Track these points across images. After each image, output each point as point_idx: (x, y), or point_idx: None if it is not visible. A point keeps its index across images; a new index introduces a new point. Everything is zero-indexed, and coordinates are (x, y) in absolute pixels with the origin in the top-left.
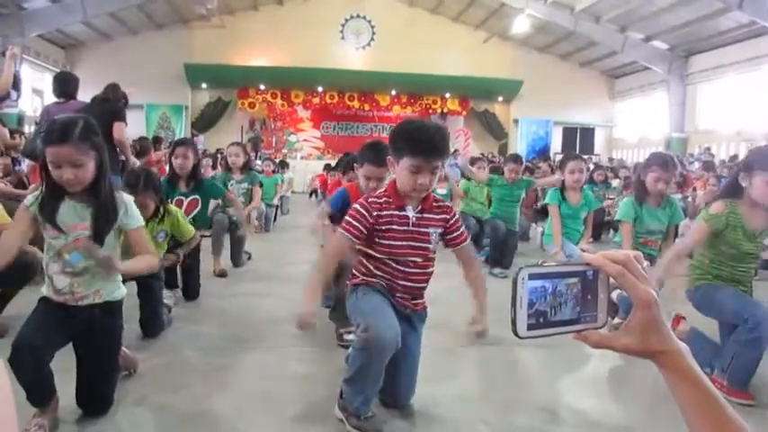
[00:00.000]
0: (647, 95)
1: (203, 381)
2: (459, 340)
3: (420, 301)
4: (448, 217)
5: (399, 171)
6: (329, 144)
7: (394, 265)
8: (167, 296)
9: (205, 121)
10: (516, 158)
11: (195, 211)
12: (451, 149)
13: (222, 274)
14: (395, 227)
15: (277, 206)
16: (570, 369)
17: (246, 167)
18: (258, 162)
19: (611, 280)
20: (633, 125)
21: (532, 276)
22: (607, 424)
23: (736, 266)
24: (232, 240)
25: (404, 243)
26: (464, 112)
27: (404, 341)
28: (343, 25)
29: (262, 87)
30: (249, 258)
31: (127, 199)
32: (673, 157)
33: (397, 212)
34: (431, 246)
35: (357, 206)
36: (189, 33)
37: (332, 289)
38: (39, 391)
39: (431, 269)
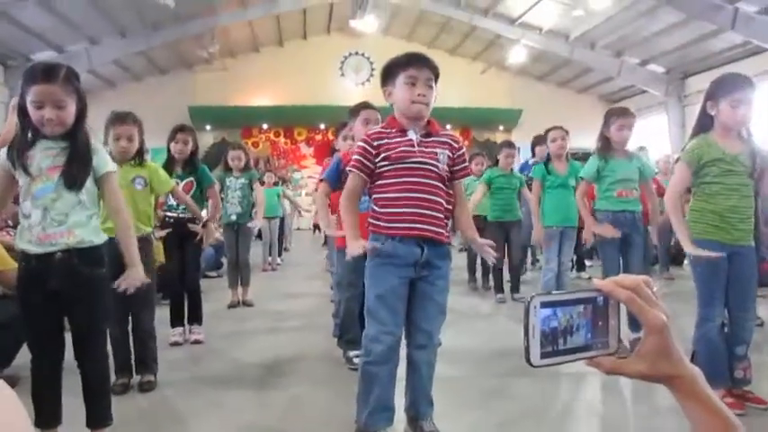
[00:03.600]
0: (646, 118)
1: (211, 419)
2: (468, 370)
3: (441, 230)
4: (455, 144)
5: (397, 92)
6: None
7: (407, 194)
8: (175, 334)
9: (210, 161)
10: (510, 144)
11: (190, 194)
12: None
13: (233, 305)
14: (401, 148)
15: (282, 218)
16: (584, 398)
17: (246, 168)
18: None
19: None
20: (633, 148)
21: (544, 304)
22: None
23: (729, 196)
24: (241, 277)
25: (413, 165)
26: (466, 142)
27: (425, 290)
28: (342, 62)
29: (264, 126)
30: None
31: (98, 145)
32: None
33: (399, 137)
34: (440, 165)
35: (360, 143)
36: (192, 77)
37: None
38: (52, 404)
39: (446, 197)
